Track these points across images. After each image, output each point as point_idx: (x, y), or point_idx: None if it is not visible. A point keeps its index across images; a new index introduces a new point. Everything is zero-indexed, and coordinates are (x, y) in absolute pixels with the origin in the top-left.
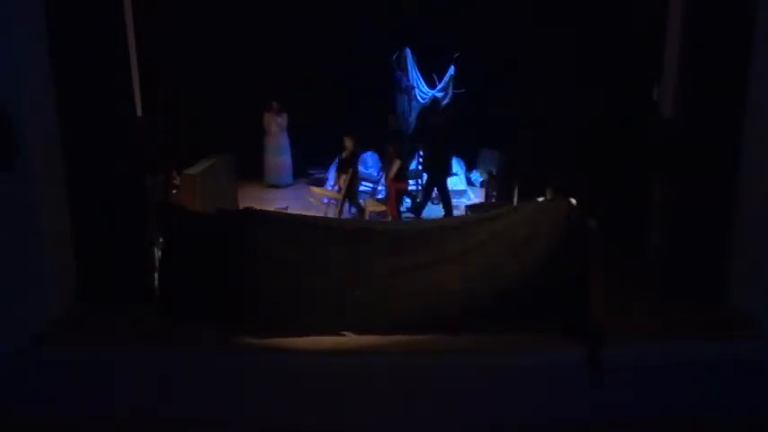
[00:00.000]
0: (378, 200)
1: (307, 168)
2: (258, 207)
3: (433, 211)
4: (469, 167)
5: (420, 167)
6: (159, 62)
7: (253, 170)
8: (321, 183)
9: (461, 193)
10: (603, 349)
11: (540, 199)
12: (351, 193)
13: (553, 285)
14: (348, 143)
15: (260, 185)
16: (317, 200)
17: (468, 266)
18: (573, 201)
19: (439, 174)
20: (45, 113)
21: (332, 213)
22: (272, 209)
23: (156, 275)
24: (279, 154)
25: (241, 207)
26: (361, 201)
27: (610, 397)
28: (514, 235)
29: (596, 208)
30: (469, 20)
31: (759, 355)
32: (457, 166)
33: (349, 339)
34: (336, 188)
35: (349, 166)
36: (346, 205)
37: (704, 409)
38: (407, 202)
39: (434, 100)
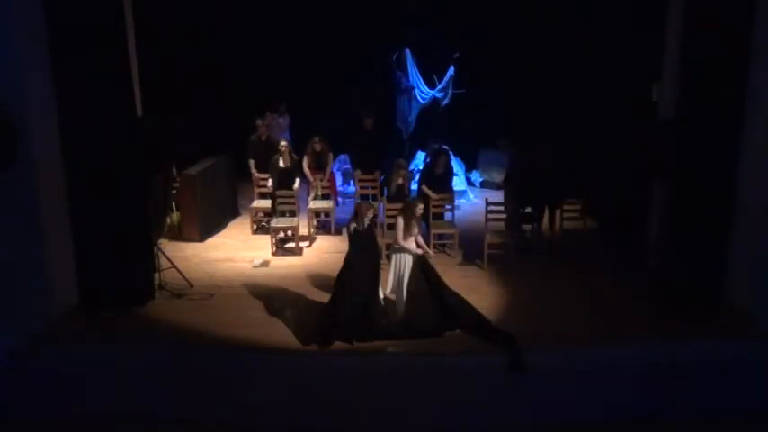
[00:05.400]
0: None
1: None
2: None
3: None
4: (469, 167)
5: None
6: (160, 62)
7: None
8: None
9: (461, 194)
10: (522, 350)
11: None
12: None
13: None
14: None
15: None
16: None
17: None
18: (420, 205)
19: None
20: (45, 113)
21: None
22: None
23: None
24: None
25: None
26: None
27: (609, 396)
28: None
29: (597, 208)
30: (469, 20)
31: (759, 355)
32: (457, 166)
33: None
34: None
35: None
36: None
37: (704, 409)
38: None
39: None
